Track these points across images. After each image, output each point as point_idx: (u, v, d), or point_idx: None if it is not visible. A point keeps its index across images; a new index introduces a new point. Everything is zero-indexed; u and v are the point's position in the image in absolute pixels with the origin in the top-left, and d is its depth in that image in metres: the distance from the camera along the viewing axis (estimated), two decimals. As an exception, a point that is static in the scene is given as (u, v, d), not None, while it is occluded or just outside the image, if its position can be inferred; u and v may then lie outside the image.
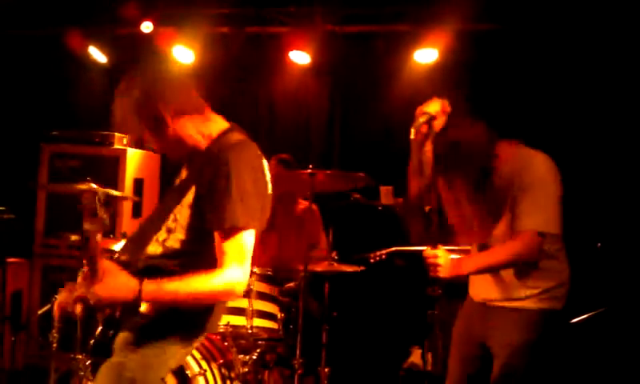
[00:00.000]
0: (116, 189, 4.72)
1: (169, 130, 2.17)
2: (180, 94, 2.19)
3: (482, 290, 2.71)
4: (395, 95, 4.95)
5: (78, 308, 1.98)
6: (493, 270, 2.61)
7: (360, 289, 4.53)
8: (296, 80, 5.23)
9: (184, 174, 2.29)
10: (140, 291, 1.96)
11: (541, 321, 2.60)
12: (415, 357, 4.43)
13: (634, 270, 3.98)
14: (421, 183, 2.66)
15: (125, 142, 5.00)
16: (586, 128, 4.44)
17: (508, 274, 2.61)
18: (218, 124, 2.26)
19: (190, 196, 2.14)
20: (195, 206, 2.13)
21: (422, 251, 4.00)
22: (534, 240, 2.51)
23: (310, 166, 3.64)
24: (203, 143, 2.22)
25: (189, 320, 2.17)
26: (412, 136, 2.52)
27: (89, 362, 2.14)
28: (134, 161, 5.00)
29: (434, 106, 2.58)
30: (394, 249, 4.20)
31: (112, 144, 4.93)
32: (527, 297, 2.59)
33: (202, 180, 2.11)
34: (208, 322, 2.23)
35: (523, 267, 2.57)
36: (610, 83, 4.35)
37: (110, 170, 4.83)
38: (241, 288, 2.08)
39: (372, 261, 4.15)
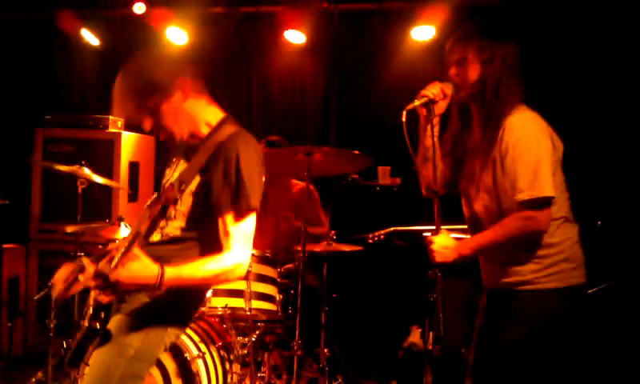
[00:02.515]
0: (111, 173, 4.68)
1: (169, 110, 2.21)
2: (182, 76, 2.25)
3: (490, 275, 2.55)
4: (392, 74, 4.90)
5: (93, 284, 1.98)
6: (496, 247, 2.41)
7: (359, 269, 4.51)
8: (291, 60, 5.16)
9: (181, 163, 2.33)
10: (162, 276, 2.01)
11: (556, 301, 2.39)
12: (414, 336, 4.42)
13: (634, 248, 3.96)
14: (429, 171, 2.53)
15: (119, 125, 4.94)
16: (586, 106, 4.40)
17: (509, 255, 2.43)
18: (216, 112, 2.33)
19: (193, 184, 2.21)
20: (199, 194, 2.20)
21: (420, 231, 4.02)
22: (540, 210, 2.32)
23: (308, 146, 3.59)
24: (204, 130, 2.29)
25: (185, 299, 2.25)
26: (403, 118, 2.38)
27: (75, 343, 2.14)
28: (129, 144, 4.94)
29: (434, 89, 2.46)
30: (392, 229, 4.17)
31: (106, 127, 4.88)
32: (535, 278, 2.40)
33: (210, 168, 2.19)
34: (202, 300, 2.37)
35: (522, 244, 2.40)
36: (610, 58, 4.30)
37: (104, 153, 4.78)
38: (245, 269, 2.20)
39: (370, 241, 4.12)
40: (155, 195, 2.42)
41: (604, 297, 3.74)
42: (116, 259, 1.93)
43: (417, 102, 2.45)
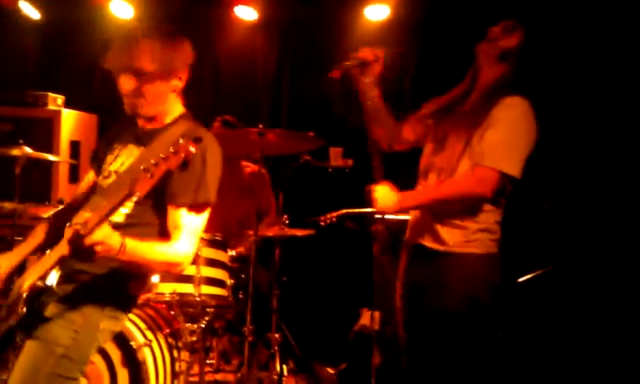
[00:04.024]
0: (51, 152, 4.47)
1: (158, 89, 2.19)
2: (187, 69, 2.25)
3: (417, 233, 2.58)
4: (346, 53, 4.82)
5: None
6: (439, 205, 2.46)
7: (310, 252, 4.45)
8: (242, 37, 5.04)
9: (129, 148, 2.26)
10: (123, 245, 1.96)
11: (479, 265, 2.47)
12: (365, 319, 4.40)
13: (580, 230, 4.03)
14: (382, 128, 2.66)
15: (59, 102, 4.72)
16: (534, 89, 4.41)
17: (440, 216, 2.49)
18: (179, 106, 2.33)
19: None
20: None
21: (372, 214, 3.99)
22: (493, 178, 2.39)
23: (260, 125, 3.49)
24: (166, 120, 2.28)
25: (121, 295, 2.21)
26: (336, 75, 2.51)
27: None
28: (70, 122, 4.73)
29: (365, 53, 2.57)
30: (344, 211, 4.12)
31: (46, 105, 4.65)
32: (461, 241, 2.47)
33: (172, 157, 2.09)
34: (138, 297, 2.32)
35: (458, 208, 2.46)
36: (564, 41, 4.31)
37: (44, 132, 4.57)
38: (188, 262, 2.19)
39: (322, 224, 4.06)
40: (92, 178, 2.34)
41: (547, 279, 3.81)
42: (90, 224, 1.87)
43: (348, 63, 2.55)
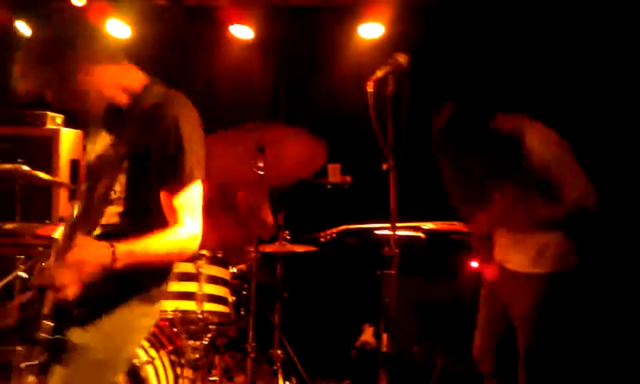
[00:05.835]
0: (50, 171, 4.47)
1: (78, 80, 1.99)
2: (92, 41, 2.03)
3: (501, 253, 2.85)
4: (341, 72, 4.87)
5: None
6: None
7: (310, 268, 4.46)
8: (238, 56, 5.05)
9: (102, 135, 2.14)
10: (114, 253, 1.85)
11: (545, 285, 2.70)
12: (367, 335, 4.41)
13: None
14: None
15: (59, 121, 4.73)
16: (524, 101, 4.45)
17: (515, 239, 2.75)
18: (137, 76, 2.13)
19: (125, 161, 2.01)
20: (133, 170, 2.02)
21: (371, 229, 4.01)
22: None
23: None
24: (123, 97, 2.09)
25: (144, 289, 2.09)
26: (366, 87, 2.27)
27: (41, 357, 1.99)
28: (69, 141, 4.74)
29: (402, 57, 2.34)
30: (344, 227, 4.15)
31: (44, 124, 4.66)
32: (530, 263, 2.74)
33: (143, 138, 2.00)
34: (162, 288, 2.16)
35: (523, 230, 2.72)
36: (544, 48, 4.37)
37: (43, 151, 4.57)
38: (198, 242, 2.02)
39: (322, 240, 4.09)
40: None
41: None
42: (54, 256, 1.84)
43: (380, 72, 2.32)
